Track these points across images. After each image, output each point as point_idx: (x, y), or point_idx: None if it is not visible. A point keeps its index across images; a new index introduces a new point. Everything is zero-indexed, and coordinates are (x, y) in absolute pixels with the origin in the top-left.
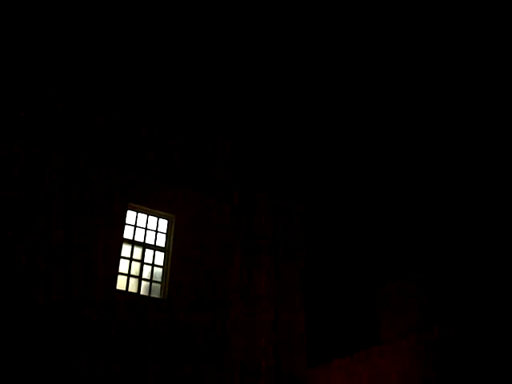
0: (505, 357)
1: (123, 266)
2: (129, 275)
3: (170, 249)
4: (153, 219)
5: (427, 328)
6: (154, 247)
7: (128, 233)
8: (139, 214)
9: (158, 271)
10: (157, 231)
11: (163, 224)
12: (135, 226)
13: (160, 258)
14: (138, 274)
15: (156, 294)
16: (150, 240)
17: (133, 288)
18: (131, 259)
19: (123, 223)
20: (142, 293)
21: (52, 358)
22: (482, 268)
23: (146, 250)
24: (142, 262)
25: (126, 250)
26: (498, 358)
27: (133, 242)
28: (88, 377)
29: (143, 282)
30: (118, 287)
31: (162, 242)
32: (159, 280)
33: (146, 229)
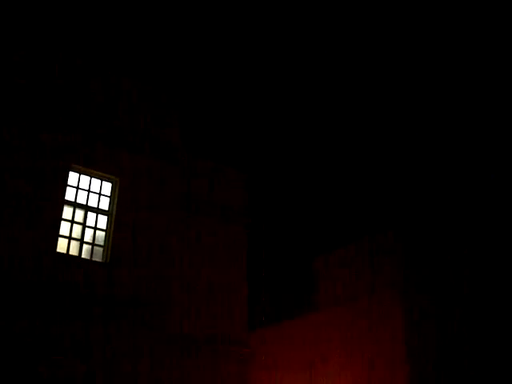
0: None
1: (65, 228)
2: (70, 238)
3: (114, 212)
4: (96, 182)
5: (361, 296)
6: (97, 210)
7: (70, 195)
8: (82, 176)
9: (101, 235)
10: (100, 194)
11: (107, 187)
12: (78, 188)
13: (103, 221)
14: (79, 237)
15: (98, 258)
16: (92, 203)
17: (74, 251)
18: (73, 222)
19: (65, 184)
20: (83, 256)
21: None
22: (417, 237)
23: (89, 213)
24: (83, 224)
25: (68, 212)
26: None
27: (75, 205)
28: (29, 340)
29: (85, 246)
30: (58, 250)
31: (105, 205)
32: (101, 244)
33: (88, 191)
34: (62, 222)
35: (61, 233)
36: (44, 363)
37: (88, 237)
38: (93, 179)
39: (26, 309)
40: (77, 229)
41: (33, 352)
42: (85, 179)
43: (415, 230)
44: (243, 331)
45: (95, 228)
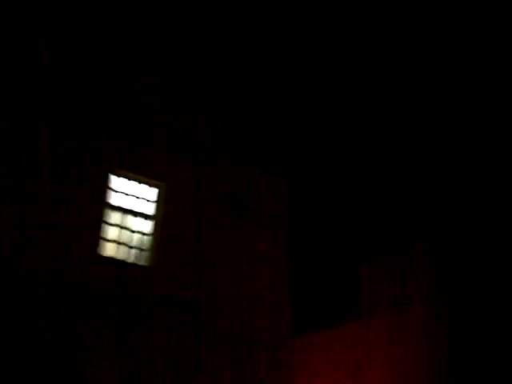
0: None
1: (110, 233)
2: (115, 242)
3: (160, 217)
4: (142, 187)
5: (408, 304)
6: (143, 215)
7: (115, 200)
8: (130, 181)
9: (145, 239)
10: (145, 199)
11: (151, 192)
12: (124, 193)
13: (147, 226)
14: (125, 241)
15: (143, 262)
16: (138, 208)
17: (120, 255)
18: (119, 226)
19: (106, 188)
20: (130, 260)
21: (36, 323)
22: (467, 245)
23: (135, 217)
24: (129, 229)
25: (113, 217)
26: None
27: (121, 209)
28: (73, 342)
29: (131, 250)
30: (104, 254)
31: (150, 209)
32: (147, 247)
33: (135, 196)
34: (110, 227)
35: (108, 237)
36: (90, 364)
37: (134, 241)
38: (137, 184)
39: (72, 309)
40: (123, 233)
41: (80, 354)
42: (132, 184)
43: (449, 242)
44: (286, 337)
45: (141, 233)
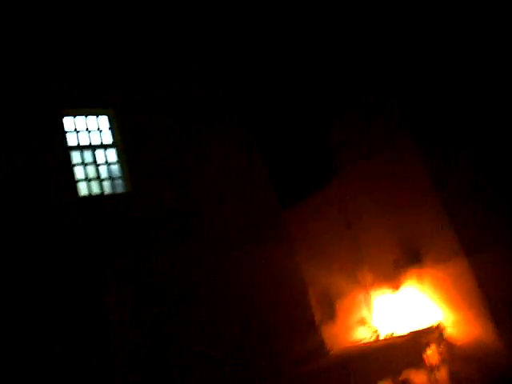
0: None
1: (80, 172)
2: (87, 180)
3: (119, 142)
4: (92, 118)
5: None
6: (104, 146)
7: (73, 139)
8: (77, 117)
9: (115, 168)
10: (100, 130)
11: (103, 121)
12: (79, 131)
13: (112, 155)
14: (96, 176)
15: (120, 190)
16: (96, 140)
17: (96, 190)
18: (85, 164)
19: (63, 132)
20: (106, 193)
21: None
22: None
23: (96, 150)
24: (96, 163)
25: (76, 156)
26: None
27: (81, 147)
28: (89, 273)
29: (105, 182)
30: (81, 194)
31: (108, 139)
32: (119, 176)
33: (88, 130)
34: (77, 167)
35: (78, 177)
36: (108, 292)
37: (105, 173)
38: (89, 117)
39: (79, 249)
40: (91, 169)
41: (96, 284)
42: (81, 119)
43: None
44: (276, 214)
45: (108, 163)
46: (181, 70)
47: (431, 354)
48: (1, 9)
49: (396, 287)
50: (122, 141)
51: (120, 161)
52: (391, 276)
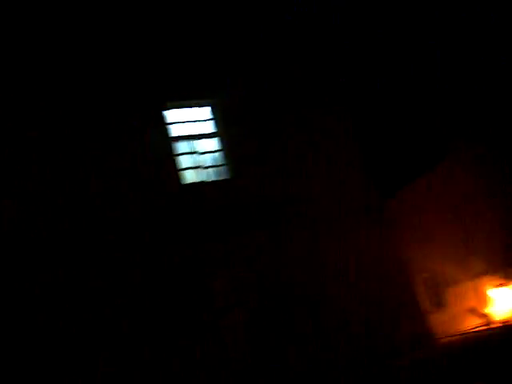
0: None
1: (183, 161)
2: (191, 168)
3: (221, 132)
4: (193, 109)
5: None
6: (206, 135)
7: (176, 130)
8: (179, 109)
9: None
10: (201, 120)
11: (206, 111)
12: (182, 122)
13: (214, 144)
14: (199, 165)
15: (224, 177)
16: (198, 130)
17: (200, 178)
18: (187, 153)
19: (165, 124)
20: (208, 180)
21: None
22: None
23: (198, 140)
24: (198, 153)
25: (179, 146)
26: None
27: (183, 138)
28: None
29: (207, 170)
30: (185, 182)
31: (210, 128)
32: (221, 163)
33: (192, 121)
34: (181, 157)
35: (182, 166)
36: (213, 277)
37: (207, 162)
38: (191, 108)
39: (184, 235)
40: (195, 158)
41: (201, 270)
42: (184, 112)
43: None
44: (379, 200)
45: (211, 152)
46: (281, 57)
47: None
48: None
49: (509, 275)
50: (223, 130)
51: (221, 149)
52: (504, 263)
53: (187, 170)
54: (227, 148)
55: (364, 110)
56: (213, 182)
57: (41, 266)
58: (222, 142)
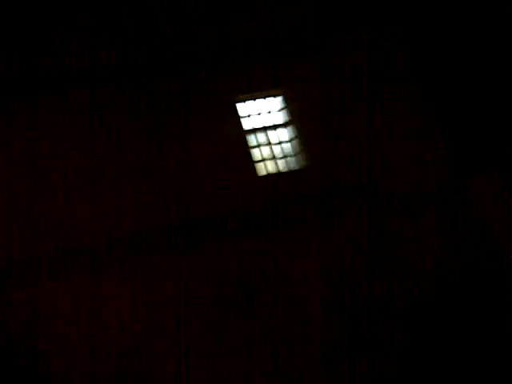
0: None
1: (257, 154)
2: (264, 160)
3: (292, 122)
4: (264, 101)
5: None
6: (277, 126)
7: (249, 122)
8: (255, 100)
9: (288, 146)
10: (274, 111)
11: (277, 102)
12: (254, 114)
13: (287, 134)
14: (271, 156)
15: (297, 166)
16: (268, 122)
17: (274, 169)
18: (262, 145)
19: (237, 116)
20: (282, 171)
21: None
22: None
23: (269, 131)
24: (272, 144)
25: (253, 139)
26: None
27: (257, 129)
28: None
29: (280, 161)
30: (260, 173)
31: (282, 118)
32: (293, 154)
33: (264, 112)
34: (254, 149)
35: (257, 158)
36: (297, 266)
37: (279, 153)
38: (261, 100)
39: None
40: (268, 149)
41: (281, 259)
42: (256, 103)
43: None
44: (458, 180)
45: (284, 142)
46: (351, 37)
47: None
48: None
49: None
50: (294, 119)
51: (293, 139)
52: None
53: (262, 162)
54: (298, 138)
55: (442, 85)
56: (287, 172)
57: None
58: (293, 132)
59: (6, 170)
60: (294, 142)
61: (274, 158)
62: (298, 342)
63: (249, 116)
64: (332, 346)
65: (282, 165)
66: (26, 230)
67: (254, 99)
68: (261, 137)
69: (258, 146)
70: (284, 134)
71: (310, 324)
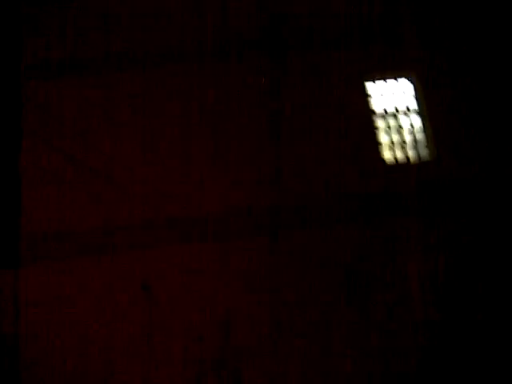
0: None
1: (382, 138)
2: (392, 145)
3: (423, 107)
4: (397, 84)
5: None
6: (409, 111)
7: (377, 104)
8: (384, 82)
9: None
10: (403, 95)
11: (408, 86)
12: (382, 96)
13: (416, 121)
14: (400, 142)
15: (426, 156)
16: (400, 106)
17: (401, 156)
18: (389, 129)
19: (365, 96)
20: (410, 159)
21: None
22: None
23: (401, 115)
24: (399, 129)
25: (380, 121)
26: None
27: (385, 113)
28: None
29: (409, 149)
30: (386, 159)
31: (412, 104)
32: (424, 142)
33: (392, 95)
34: (380, 132)
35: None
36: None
37: (409, 140)
38: (393, 82)
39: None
40: (395, 135)
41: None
42: (384, 85)
43: None
44: None
45: (412, 129)
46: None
47: None
48: None
49: None
50: (426, 106)
51: (423, 127)
52: None
53: (388, 148)
54: (429, 126)
55: None
56: (414, 160)
57: None
58: (424, 119)
59: None
60: (424, 130)
61: (403, 144)
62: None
63: (379, 97)
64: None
65: (410, 152)
66: None
67: (385, 80)
68: (390, 121)
69: (387, 130)
70: (416, 120)
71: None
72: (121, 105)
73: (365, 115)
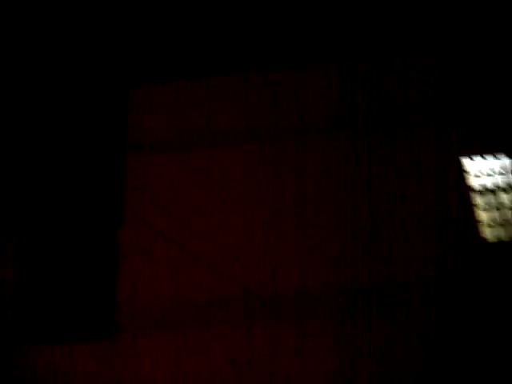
0: None
1: (482, 216)
2: (492, 224)
3: None
4: (496, 161)
5: None
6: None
7: (475, 181)
8: (483, 158)
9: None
10: (502, 172)
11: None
12: (480, 172)
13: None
14: (504, 221)
15: None
16: (501, 182)
17: (506, 235)
18: (490, 207)
19: (462, 172)
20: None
21: None
22: None
23: (502, 193)
24: (502, 207)
25: (479, 198)
26: None
27: (486, 190)
28: None
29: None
30: (488, 239)
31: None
32: None
33: (492, 172)
34: (480, 210)
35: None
36: None
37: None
38: (492, 159)
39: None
40: (495, 213)
41: None
42: (484, 162)
43: None
44: None
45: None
46: None
47: None
48: None
49: None
50: None
51: None
52: None
53: (490, 227)
54: None
55: None
56: None
57: None
58: None
59: None
60: None
61: (505, 224)
62: None
63: (477, 175)
64: None
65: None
66: None
67: (483, 157)
68: (490, 199)
69: (487, 208)
70: None
71: None
72: (216, 182)
73: (463, 192)
